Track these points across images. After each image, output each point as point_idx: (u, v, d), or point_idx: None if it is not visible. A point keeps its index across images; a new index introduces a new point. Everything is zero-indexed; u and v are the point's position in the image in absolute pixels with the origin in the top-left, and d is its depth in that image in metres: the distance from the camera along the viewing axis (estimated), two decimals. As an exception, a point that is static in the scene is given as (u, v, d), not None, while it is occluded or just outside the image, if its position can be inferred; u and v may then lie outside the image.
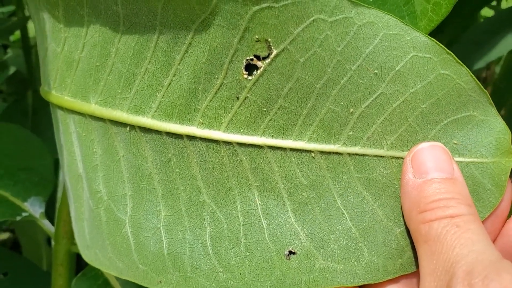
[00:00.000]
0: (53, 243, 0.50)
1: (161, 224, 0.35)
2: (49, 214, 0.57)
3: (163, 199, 0.35)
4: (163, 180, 0.35)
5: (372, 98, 0.31)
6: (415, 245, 0.31)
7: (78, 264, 0.57)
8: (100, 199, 0.37)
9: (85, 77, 0.36)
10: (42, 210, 0.53)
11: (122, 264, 0.36)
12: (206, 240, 0.34)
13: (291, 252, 0.33)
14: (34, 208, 0.53)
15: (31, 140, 0.58)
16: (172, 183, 0.35)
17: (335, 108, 0.32)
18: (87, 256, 0.38)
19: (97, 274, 0.50)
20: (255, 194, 0.34)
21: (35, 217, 0.52)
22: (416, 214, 0.30)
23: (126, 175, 0.36)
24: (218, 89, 0.32)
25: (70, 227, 0.48)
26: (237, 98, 0.32)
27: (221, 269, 0.34)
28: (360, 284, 0.32)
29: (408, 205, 0.30)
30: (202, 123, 0.33)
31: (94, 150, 0.37)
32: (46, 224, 0.53)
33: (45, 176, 0.55)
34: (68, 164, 0.39)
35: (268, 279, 0.33)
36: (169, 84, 0.33)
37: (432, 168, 0.30)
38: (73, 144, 0.38)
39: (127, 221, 0.36)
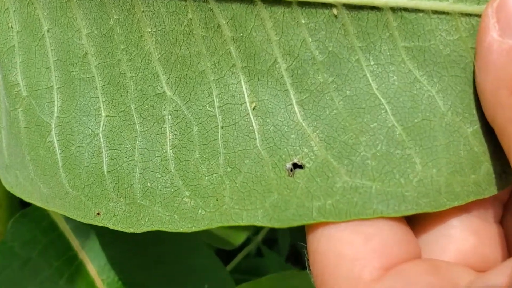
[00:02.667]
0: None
1: (101, 129, 0.20)
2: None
3: (104, 92, 0.20)
4: (104, 63, 0.21)
5: None
6: (505, 150, 0.18)
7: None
8: (18, 96, 0.22)
9: None
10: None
11: (47, 188, 0.21)
12: (166, 152, 0.18)
13: (296, 166, 0.17)
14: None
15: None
16: (116, 68, 0.20)
17: None
18: (6, 180, 0.24)
19: (42, 215, 0.35)
20: (242, 80, 0.21)
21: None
22: (507, 96, 0.17)
23: (52, 58, 0.23)
24: None
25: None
26: None
27: (187, 193, 0.18)
28: (410, 213, 0.19)
29: (491, 83, 0.18)
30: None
31: (10, 24, 0.24)
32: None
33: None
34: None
35: (260, 207, 0.17)
36: None
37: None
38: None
39: (53, 125, 0.21)
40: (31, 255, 0.37)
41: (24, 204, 0.39)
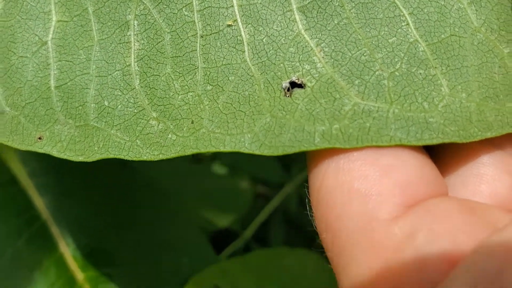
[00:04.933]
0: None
1: (50, 37, 0.12)
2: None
3: (57, -9, 0.12)
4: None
5: None
6: None
7: None
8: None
9: None
10: None
11: None
12: (129, 65, 0.11)
13: (294, 85, 0.10)
14: None
15: None
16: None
17: None
18: None
19: (1, 169, 0.26)
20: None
21: None
22: None
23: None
24: None
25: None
26: None
27: (155, 114, 0.10)
28: (434, 142, 0.13)
29: None
30: None
31: None
32: None
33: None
34: None
35: (248, 131, 0.10)
36: None
37: None
38: None
39: (-10, 31, 0.12)
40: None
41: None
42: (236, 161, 0.61)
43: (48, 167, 0.32)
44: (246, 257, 0.34)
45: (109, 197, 0.32)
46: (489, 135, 0.13)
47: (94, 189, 0.32)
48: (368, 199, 0.12)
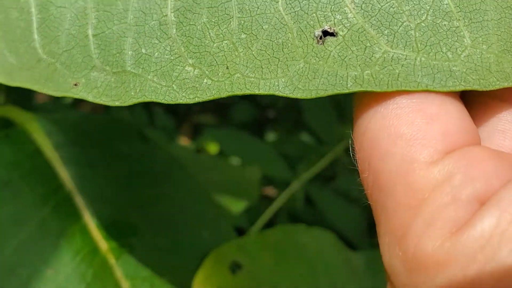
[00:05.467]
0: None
1: None
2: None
3: None
4: None
5: None
6: None
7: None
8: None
9: None
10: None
11: (15, 56, 0.13)
12: (166, 15, 0.12)
13: (327, 33, 0.10)
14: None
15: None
16: None
17: None
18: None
19: (27, 140, 0.29)
20: None
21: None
22: None
23: None
24: None
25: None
26: None
27: (191, 61, 0.11)
28: (457, 89, 0.14)
29: None
30: None
31: None
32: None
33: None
34: None
35: (282, 75, 0.10)
36: None
37: None
38: None
39: (30, -18, 0.13)
40: (11, 177, 0.29)
41: (5, 125, 0.32)
42: (243, 159, 0.61)
43: (72, 140, 0.33)
44: (264, 233, 0.34)
45: (131, 171, 0.32)
46: (506, 84, 0.14)
47: (117, 163, 0.32)
48: (412, 143, 0.13)
